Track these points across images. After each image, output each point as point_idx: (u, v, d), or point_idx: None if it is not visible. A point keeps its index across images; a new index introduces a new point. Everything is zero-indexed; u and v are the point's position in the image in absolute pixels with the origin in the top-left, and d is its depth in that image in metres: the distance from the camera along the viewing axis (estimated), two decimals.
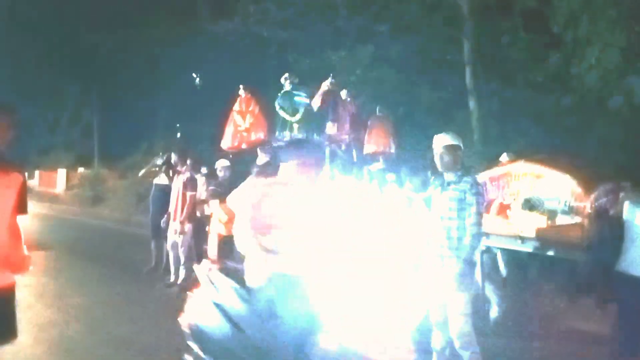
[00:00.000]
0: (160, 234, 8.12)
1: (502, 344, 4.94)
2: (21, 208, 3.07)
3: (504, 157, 6.57)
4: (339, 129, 8.74)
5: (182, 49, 19.18)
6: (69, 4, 21.23)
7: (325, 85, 9.27)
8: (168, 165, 8.16)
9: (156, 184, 8.54)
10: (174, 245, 7.53)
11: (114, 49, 20.49)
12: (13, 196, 3.00)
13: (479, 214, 3.98)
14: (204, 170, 7.91)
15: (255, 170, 6.38)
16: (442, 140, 4.20)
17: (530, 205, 5.17)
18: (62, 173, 26.05)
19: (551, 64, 10.66)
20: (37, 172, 27.92)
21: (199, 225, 7.41)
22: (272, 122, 9.02)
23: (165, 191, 8.02)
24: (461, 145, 4.19)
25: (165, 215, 7.68)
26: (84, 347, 5.17)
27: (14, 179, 3.02)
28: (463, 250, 3.92)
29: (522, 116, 11.09)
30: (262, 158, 6.51)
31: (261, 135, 8.92)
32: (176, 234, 7.40)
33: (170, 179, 7.93)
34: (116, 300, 6.86)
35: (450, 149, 4.12)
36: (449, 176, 4.12)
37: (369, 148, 9.27)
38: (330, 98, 9.08)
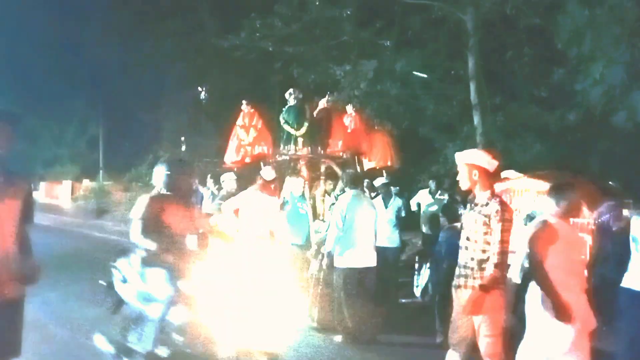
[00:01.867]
0: None
1: None
2: (28, 218, 3.08)
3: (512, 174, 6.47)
4: (337, 146, 8.82)
5: (188, 63, 19.35)
6: (75, 18, 21.51)
7: (323, 103, 9.37)
8: None
9: None
10: None
11: (120, 62, 20.68)
12: (20, 206, 3.01)
13: (503, 242, 3.81)
14: (209, 183, 7.95)
15: (259, 183, 6.42)
16: (458, 157, 4.11)
17: (532, 220, 5.16)
18: (67, 185, 26.15)
19: (555, 79, 10.71)
20: (42, 184, 28.05)
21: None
22: (276, 136, 9.11)
23: None
24: (479, 163, 3.97)
25: None
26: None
27: (20, 189, 3.04)
28: (486, 273, 3.84)
29: (526, 131, 11.11)
30: (269, 173, 6.54)
31: (264, 149, 9.01)
32: None
33: None
34: (121, 314, 6.84)
35: (463, 167, 4.02)
36: (479, 197, 3.98)
37: (370, 163, 9.33)
38: (329, 115, 9.20)
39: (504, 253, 3.84)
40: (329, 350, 5.61)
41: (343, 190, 7.50)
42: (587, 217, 4.98)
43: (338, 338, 5.76)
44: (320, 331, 6.17)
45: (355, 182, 6.07)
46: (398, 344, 5.87)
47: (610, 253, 4.86)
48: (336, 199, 7.73)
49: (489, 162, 4.02)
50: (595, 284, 4.90)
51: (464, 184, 4.04)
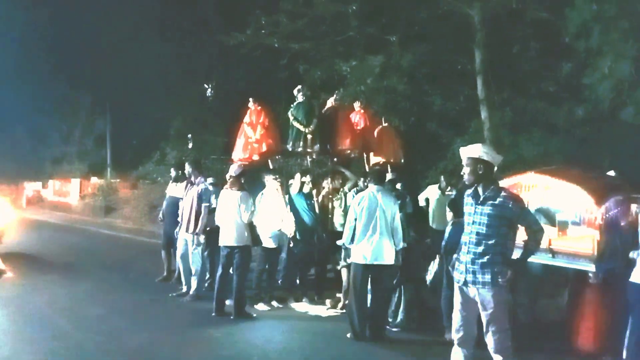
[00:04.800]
0: (172, 244, 8.28)
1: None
2: None
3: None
4: (345, 143, 8.84)
5: (194, 60, 19.38)
6: (83, 18, 21.60)
7: (330, 102, 9.40)
8: (182, 177, 8.37)
9: (170, 196, 8.63)
10: (184, 256, 7.59)
11: (127, 60, 20.74)
12: None
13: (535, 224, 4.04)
14: (210, 180, 7.99)
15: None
16: (462, 152, 4.12)
17: (540, 216, 5.14)
18: (75, 183, 26.32)
19: (563, 74, 10.64)
20: (51, 182, 28.22)
21: (212, 237, 7.45)
22: (283, 133, 9.12)
23: (175, 203, 8.18)
24: (484, 157, 3.98)
25: (178, 226, 7.76)
26: (98, 357, 5.22)
27: None
28: (499, 266, 3.86)
29: (533, 126, 11.05)
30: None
31: (271, 146, 9.03)
32: (190, 245, 7.44)
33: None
34: (130, 310, 6.91)
35: (468, 161, 4.02)
36: (485, 191, 3.99)
37: (376, 158, 9.32)
38: (337, 113, 9.21)
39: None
40: (335, 346, 5.64)
41: (356, 186, 7.56)
42: (595, 212, 4.96)
43: (348, 333, 5.79)
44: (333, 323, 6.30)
45: (380, 178, 6.04)
46: (405, 340, 5.88)
47: (618, 248, 4.85)
48: (344, 196, 7.78)
49: (494, 156, 4.04)
50: (603, 279, 4.91)
51: (469, 179, 4.04)
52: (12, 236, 6.33)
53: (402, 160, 9.54)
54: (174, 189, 8.58)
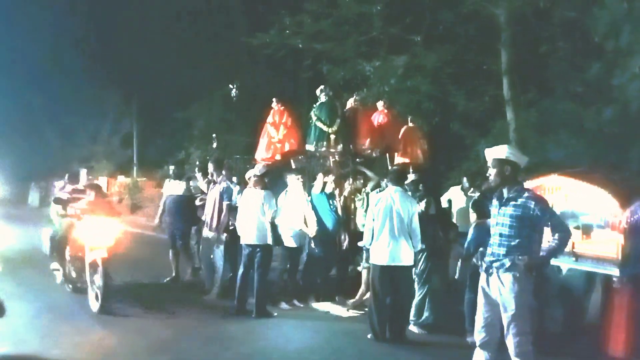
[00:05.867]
0: (176, 243, 8.39)
1: None
2: None
3: None
4: (367, 144, 8.82)
5: (219, 61, 19.55)
6: (111, 19, 21.98)
7: (350, 102, 9.39)
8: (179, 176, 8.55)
9: (170, 195, 8.52)
10: (206, 254, 7.67)
11: (153, 61, 21.04)
12: None
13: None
14: (234, 179, 8.05)
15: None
16: (488, 153, 4.08)
17: (564, 219, 5.05)
18: (102, 181, 26.76)
19: (591, 74, 10.41)
20: None
21: (234, 235, 7.51)
22: (305, 133, 9.15)
23: (178, 201, 8.31)
24: (512, 159, 3.94)
25: (200, 224, 7.86)
26: (123, 353, 5.31)
27: None
28: (523, 268, 3.82)
29: (560, 127, 10.84)
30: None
31: (294, 146, 9.06)
32: (212, 243, 7.52)
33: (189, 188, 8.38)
34: (152, 307, 7.01)
35: (494, 162, 3.98)
36: (510, 192, 3.95)
37: (401, 159, 9.27)
38: (358, 113, 9.20)
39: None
40: (356, 346, 5.63)
41: (378, 186, 7.53)
42: (620, 216, 4.86)
43: (369, 334, 5.77)
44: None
45: (399, 179, 6.00)
46: (426, 342, 5.84)
47: None
48: (367, 196, 7.76)
49: (520, 158, 4.00)
50: (628, 284, 4.80)
51: (494, 180, 4.00)
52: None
53: (428, 162, 9.46)
54: (173, 187, 8.52)
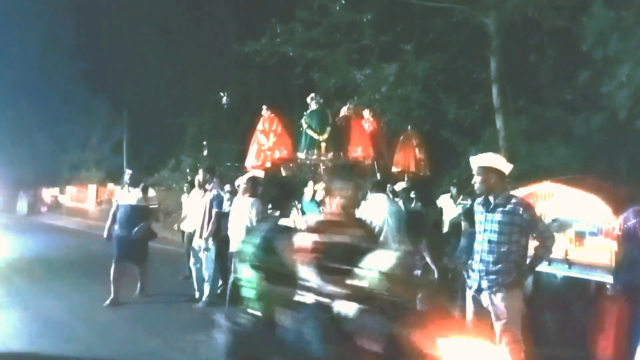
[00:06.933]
0: (121, 261, 7.54)
1: None
2: None
3: None
4: (358, 152, 8.83)
5: (209, 68, 19.54)
6: (101, 26, 21.93)
7: (344, 110, 9.42)
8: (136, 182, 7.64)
9: (120, 204, 7.66)
10: (198, 262, 7.61)
11: (144, 68, 20.99)
12: None
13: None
14: (227, 187, 8.00)
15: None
16: (473, 161, 4.10)
17: (556, 226, 5.07)
18: (92, 189, 26.59)
19: (580, 82, 10.51)
20: (68, 188, 28.55)
21: (223, 243, 7.46)
22: (296, 140, 9.14)
23: (130, 211, 7.43)
24: (495, 166, 3.97)
25: (193, 231, 7.79)
26: None
27: None
28: (513, 275, 3.82)
29: (550, 135, 10.92)
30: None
31: (284, 153, 9.05)
32: (201, 251, 7.47)
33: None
34: (142, 316, 6.93)
35: (479, 170, 4.01)
36: (497, 200, 3.97)
37: (395, 167, 9.29)
38: (351, 121, 9.22)
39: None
40: None
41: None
42: (613, 222, 4.87)
43: None
44: None
45: (378, 187, 5.99)
46: None
47: (636, 260, 4.75)
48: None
49: (504, 165, 4.01)
50: (621, 291, 4.80)
51: (480, 188, 4.02)
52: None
53: (423, 171, 9.44)
54: (126, 195, 7.62)
